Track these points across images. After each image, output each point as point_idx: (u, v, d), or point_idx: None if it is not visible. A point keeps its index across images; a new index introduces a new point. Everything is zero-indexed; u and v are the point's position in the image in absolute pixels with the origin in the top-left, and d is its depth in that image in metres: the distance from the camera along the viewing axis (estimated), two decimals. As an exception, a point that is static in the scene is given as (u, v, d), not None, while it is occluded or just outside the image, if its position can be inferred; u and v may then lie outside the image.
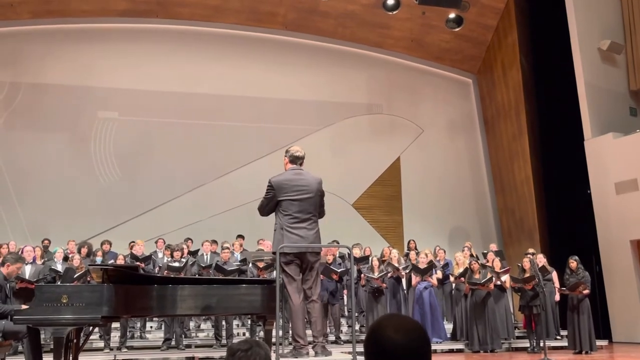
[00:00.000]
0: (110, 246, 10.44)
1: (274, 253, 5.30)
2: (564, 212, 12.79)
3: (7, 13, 12.73)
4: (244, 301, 5.06)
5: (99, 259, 9.86)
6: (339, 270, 9.46)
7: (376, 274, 9.62)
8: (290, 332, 5.69)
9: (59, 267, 8.98)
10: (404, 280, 10.26)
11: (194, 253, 10.52)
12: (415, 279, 10.02)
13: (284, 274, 5.14)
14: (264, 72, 13.89)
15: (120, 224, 12.47)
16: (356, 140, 14.25)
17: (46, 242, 10.74)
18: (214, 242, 10.56)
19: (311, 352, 5.10)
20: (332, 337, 9.40)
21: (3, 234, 11.37)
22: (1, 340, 5.39)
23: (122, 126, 13.19)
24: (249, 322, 9.67)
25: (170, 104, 13.37)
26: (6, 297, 5.75)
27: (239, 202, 12.49)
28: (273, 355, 4.51)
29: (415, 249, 11.58)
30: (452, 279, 10.53)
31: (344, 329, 10.28)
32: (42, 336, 6.97)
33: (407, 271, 10.23)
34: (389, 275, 9.88)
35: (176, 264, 9.08)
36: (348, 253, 8.50)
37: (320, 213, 5.35)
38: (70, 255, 9.52)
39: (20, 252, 8.29)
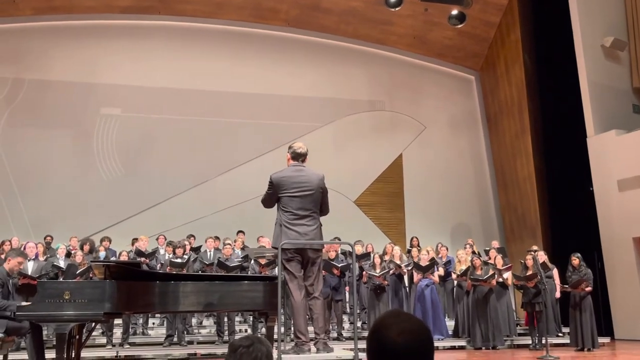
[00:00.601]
0: (110, 243, 10.46)
1: (275, 248, 5.30)
2: (566, 209, 12.77)
3: (9, 9, 12.74)
4: (246, 298, 5.07)
5: (101, 255, 9.89)
6: (340, 265, 9.47)
7: (378, 271, 9.63)
8: (292, 328, 5.69)
9: (62, 264, 8.99)
10: (405, 277, 10.27)
11: (196, 249, 10.54)
12: (417, 276, 10.02)
13: (285, 270, 5.14)
14: (266, 69, 13.88)
15: (123, 220, 12.48)
16: (358, 137, 14.24)
17: (49, 238, 10.75)
18: (217, 238, 10.57)
19: (313, 348, 5.10)
20: (334, 334, 9.42)
21: (6, 230, 11.39)
22: (4, 336, 5.41)
23: (124, 123, 13.19)
24: (251, 318, 9.68)
25: (172, 100, 13.37)
26: (9, 293, 5.77)
27: (242, 199, 12.48)
28: (275, 352, 4.52)
29: (418, 246, 11.59)
30: (454, 276, 10.53)
31: (346, 325, 10.29)
32: (45, 332, 7.00)
33: (409, 268, 10.23)
34: (391, 272, 9.89)
35: (178, 260, 9.11)
36: (349, 251, 8.52)
37: (323, 210, 5.35)
38: (72, 252, 9.54)
39: (23, 248, 8.31)
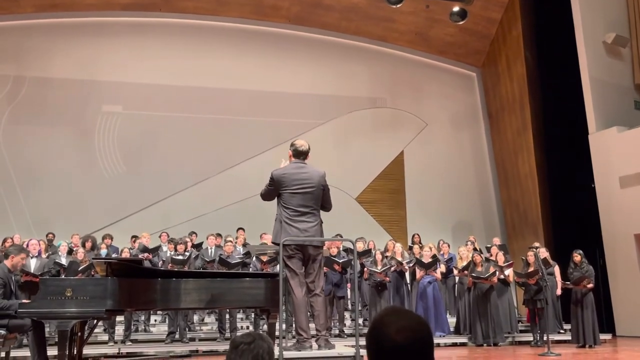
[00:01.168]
0: (112, 240, 10.47)
1: (275, 244, 5.30)
2: (568, 206, 12.76)
3: (11, 7, 12.74)
4: (247, 294, 5.08)
5: (103, 252, 9.90)
6: (341, 261, 9.47)
7: (379, 268, 9.63)
8: (294, 325, 5.70)
9: (63, 261, 9.02)
10: (407, 274, 10.27)
11: (198, 246, 10.55)
12: (419, 273, 10.03)
13: (287, 267, 5.14)
14: (268, 66, 13.87)
15: (125, 217, 12.50)
16: (360, 134, 14.24)
17: (50, 235, 10.77)
18: (219, 235, 10.58)
19: (314, 345, 5.11)
20: (335, 331, 9.43)
21: (8, 227, 11.41)
22: (6, 333, 5.42)
23: (126, 120, 13.20)
24: (253, 315, 9.70)
25: (173, 97, 13.37)
26: (11, 292, 5.77)
27: (244, 196, 12.47)
28: (276, 349, 4.53)
29: (420, 243, 11.59)
30: (455, 272, 10.53)
31: (348, 322, 10.30)
32: (47, 329, 7.01)
33: (411, 265, 10.24)
34: (392, 269, 9.89)
35: (180, 257, 9.12)
36: (351, 248, 8.52)
37: (326, 207, 5.35)
38: (74, 249, 9.56)
39: (25, 246, 8.32)
